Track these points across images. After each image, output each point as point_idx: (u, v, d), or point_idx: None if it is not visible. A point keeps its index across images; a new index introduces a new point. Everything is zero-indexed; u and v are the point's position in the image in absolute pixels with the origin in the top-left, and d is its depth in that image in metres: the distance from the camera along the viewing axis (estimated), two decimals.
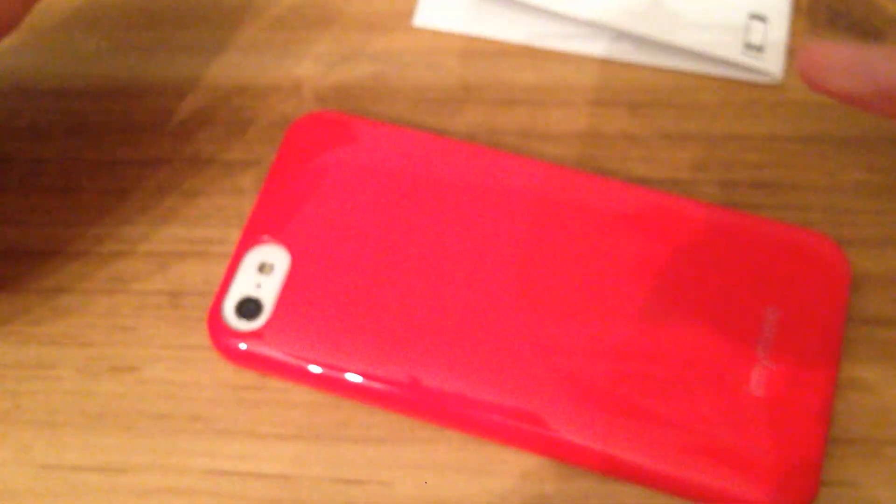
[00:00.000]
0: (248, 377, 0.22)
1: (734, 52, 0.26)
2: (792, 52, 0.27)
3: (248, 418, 0.22)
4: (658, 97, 0.26)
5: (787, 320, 0.21)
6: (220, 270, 0.23)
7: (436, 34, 0.27)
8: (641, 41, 0.27)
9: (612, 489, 0.21)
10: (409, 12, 0.28)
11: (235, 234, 0.24)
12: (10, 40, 0.27)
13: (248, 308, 0.21)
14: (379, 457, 0.21)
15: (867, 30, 0.27)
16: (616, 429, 0.20)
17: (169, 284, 0.23)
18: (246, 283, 0.22)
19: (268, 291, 0.22)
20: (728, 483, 0.19)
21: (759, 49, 0.26)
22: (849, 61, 0.19)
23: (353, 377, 0.21)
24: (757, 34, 0.27)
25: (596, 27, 0.27)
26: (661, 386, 0.20)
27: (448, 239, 0.22)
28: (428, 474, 0.21)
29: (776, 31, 0.27)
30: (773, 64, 0.26)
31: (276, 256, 0.22)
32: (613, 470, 0.20)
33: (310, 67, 0.27)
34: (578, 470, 0.21)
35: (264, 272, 0.22)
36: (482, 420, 0.20)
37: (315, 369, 0.21)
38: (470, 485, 0.21)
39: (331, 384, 0.21)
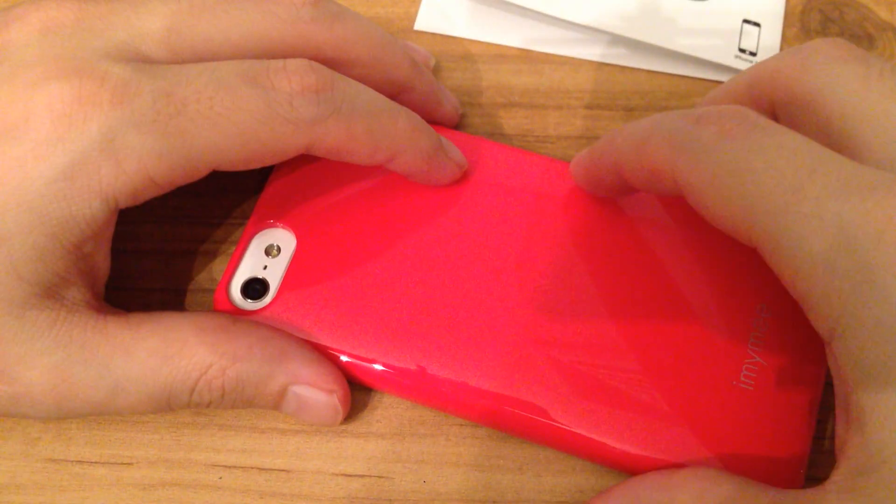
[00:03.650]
0: None
1: (728, 57, 0.26)
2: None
3: (250, 413, 0.22)
4: (653, 100, 0.26)
5: (780, 317, 0.21)
6: (224, 269, 0.23)
7: (436, 38, 0.28)
8: (637, 45, 0.27)
9: (607, 483, 0.21)
10: (411, 17, 0.28)
11: (239, 233, 0.24)
12: None
13: (255, 288, 0.22)
14: (379, 451, 0.21)
15: (859, 35, 0.27)
16: (608, 419, 0.20)
17: (174, 282, 0.24)
18: (253, 265, 0.22)
19: (273, 273, 0.22)
20: None
21: (752, 54, 0.27)
22: (584, 176, 0.22)
23: (354, 357, 0.21)
24: (751, 39, 0.27)
25: (592, 32, 0.27)
26: (653, 378, 0.20)
27: (449, 226, 0.22)
28: (427, 469, 0.21)
29: (769, 36, 0.27)
30: None
31: (283, 239, 0.23)
32: (603, 458, 0.20)
33: None
34: (574, 465, 0.21)
35: (271, 255, 0.22)
36: (479, 404, 0.21)
37: (316, 349, 0.21)
38: (468, 479, 0.21)
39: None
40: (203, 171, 0.20)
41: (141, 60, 0.20)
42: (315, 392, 0.20)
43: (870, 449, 0.16)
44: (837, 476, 0.17)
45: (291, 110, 0.19)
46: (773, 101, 0.20)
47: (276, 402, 0.21)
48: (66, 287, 0.19)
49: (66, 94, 0.18)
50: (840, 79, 0.19)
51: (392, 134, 0.21)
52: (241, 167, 0.20)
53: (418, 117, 0.22)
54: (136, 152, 0.18)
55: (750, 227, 0.17)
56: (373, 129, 0.20)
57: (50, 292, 0.19)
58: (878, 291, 0.15)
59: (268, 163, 0.20)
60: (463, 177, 0.23)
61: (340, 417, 0.21)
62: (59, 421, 0.22)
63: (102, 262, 0.21)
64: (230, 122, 0.19)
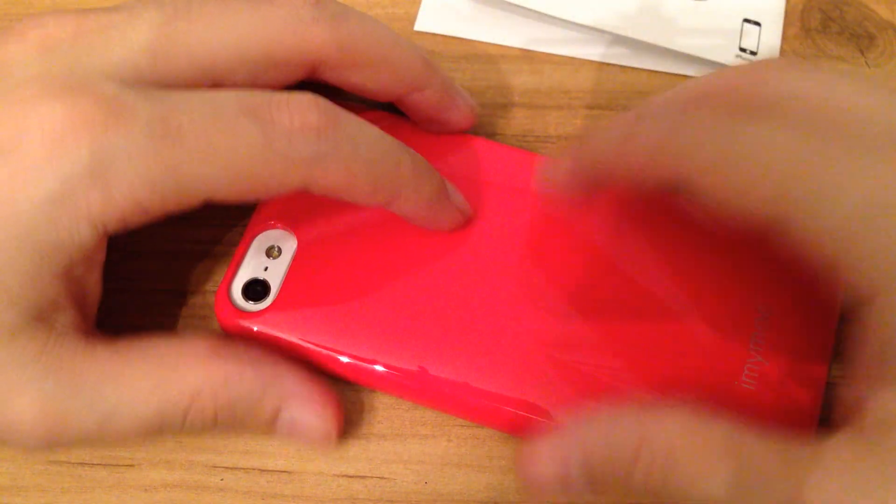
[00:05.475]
0: None
1: (728, 56, 0.26)
2: (785, 55, 0.27)
3: None
4: None
5: (781, 317, 0.21)
6: (225, 270, 0.23)
7: (436, 38, 0.28)
8: (637, 45, 0.27)
9: None
10: (411, 17, 0.28)
11: (240, 235, 0.24)
12: None
13: (255, 290, 0.22)
14: (380, 452, 0.22)
15: (859, 34, 0.27)
16: None
17: (175, 284, 0.24)
18: (254, 266, 0.22)
19: (274, 274, 0.22)
20: None
21: (753, 53, 0.27)
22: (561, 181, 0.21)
23: (355, 358, 0.21)
24: (751, 38, 0.27)
25: (592, 32, 0.27)
26: (656, 378, 0.20)
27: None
28: (428, 469, 0.21)
29: (770, 36, 0.27)
30: None
31: (283, 241, 0.23)
32: None
33: None
34: None
35: (272, 256, 0.22)
36: (481, 405, 0.21)
37: (315, 350, 0.21)
38: (469, 480, 0.21)
39: (330, 365, 0.21)
40: (195, 202, 0.19)
41: (138, 74, 0.19)
42: (308, 414, 0.20)
43: None
44: (851, 431, 0.16)
45: (289, 148, 0.18)
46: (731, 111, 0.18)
47: (269, 425, 0.20)
48: (57, 312, 0.19)
49: (59, 115, 0.18)
50: (807, 82, 0.18)
51: (393, 177, 0.20)
52: (234, 200, 0.19)
53: (423, 160, 0.21)
54: (127, 179, 0.18)
55: (769, 200, 0.17)
56: (374, 172, 0.20)
57: (40, 317, 0.18)
58: None
59: (262, 197, 0.20)
60: (463, 179, 0.23)
61: (334, 439, 0.21)
62: None
63: (94, 287, 0.20)
64: (225, 155, 0.18)
